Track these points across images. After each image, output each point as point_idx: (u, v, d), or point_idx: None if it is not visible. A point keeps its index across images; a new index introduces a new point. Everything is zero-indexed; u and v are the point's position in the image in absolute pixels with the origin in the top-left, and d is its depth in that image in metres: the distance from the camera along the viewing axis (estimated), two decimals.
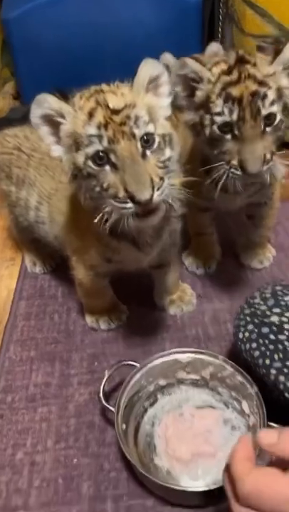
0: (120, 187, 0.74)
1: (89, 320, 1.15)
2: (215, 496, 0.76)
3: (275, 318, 0.87)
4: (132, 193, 0.73)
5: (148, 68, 0.80)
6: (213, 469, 0.82)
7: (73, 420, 0.95)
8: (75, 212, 0.98)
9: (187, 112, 0.96)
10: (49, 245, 1.19)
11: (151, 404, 0.94)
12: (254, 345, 0.87)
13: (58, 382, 1.03)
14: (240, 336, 0.90)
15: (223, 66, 0.90)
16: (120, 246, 0.93)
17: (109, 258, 0.98)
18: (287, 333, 0.85)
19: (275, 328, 0.87)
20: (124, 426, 0.85)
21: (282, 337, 0.85)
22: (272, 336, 0.86)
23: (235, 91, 0.86)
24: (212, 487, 0.76)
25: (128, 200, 0.74)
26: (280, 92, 0.90)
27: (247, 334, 0.89)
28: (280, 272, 1.26)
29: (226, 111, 0.87)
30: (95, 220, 0.78)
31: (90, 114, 0.75)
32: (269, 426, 0.80)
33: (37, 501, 0.82)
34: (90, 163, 0.75)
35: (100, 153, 0.75)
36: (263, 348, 0.86)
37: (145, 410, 0.93)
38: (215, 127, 0.90)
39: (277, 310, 0.88)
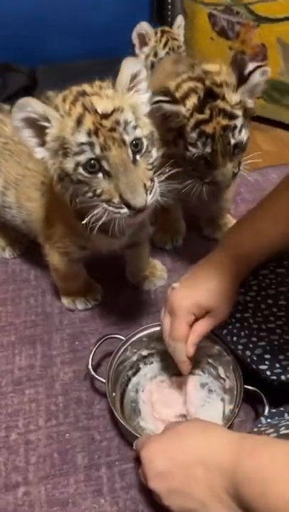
0: (115, 193, 0.75)
1: (65, 302, 1.18)
2: None
3: (240, 298, 0.93)
4: (128, 201, 0.74)
5: (128, 67, 0.79)
6: None
7: (61, 398, 1.00)
8: (46, 201, 0.98)
9: (161, 129, 0.97)
10: (17, 229, 1.19)
11: (134, 374, 1.00)
12: None
13: (41, 363, 1.06)
14: None
15: (194, 99, 0.93)
16: (93, 236, 0.92)
17: (83, 246, 1.00)
18: (251, 311, 0.91)
19: (240, 307, 0.92)
20: (113, 394, 0.91)
21: (247, 315, 0.91)
22: (238, 315, 0.92)
23: (208, 128, 0.92)
24: None
25: (123, 206, 0.75)
26: (246, 111, 0.95)
27: None
28: None
29: (200, 144, 0.93)
30: (83, 222, 0.78)
31: (79, 121, 0.73)
32: (245, 388, 0.88)
33: (36, 476, 0.88)
34: (81, 170, 0.75)
35: (92, 161, 0.74)
36: (230, 326, 0.92)
37: (129, 379, 0.99)
38: (189, 154, 0.95)
39: (241, 290, 0.93)
